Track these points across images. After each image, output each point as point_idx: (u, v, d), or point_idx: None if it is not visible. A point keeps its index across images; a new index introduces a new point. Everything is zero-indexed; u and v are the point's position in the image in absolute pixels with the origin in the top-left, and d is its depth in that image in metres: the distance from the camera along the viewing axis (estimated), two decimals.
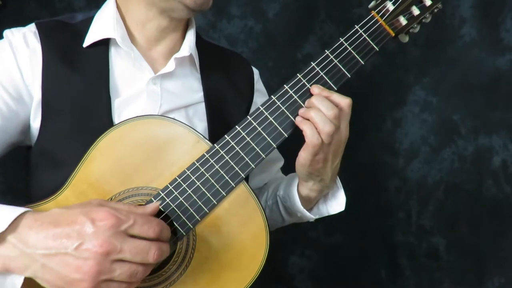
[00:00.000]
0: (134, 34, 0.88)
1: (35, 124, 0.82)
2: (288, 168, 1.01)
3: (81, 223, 0.59)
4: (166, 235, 0.64)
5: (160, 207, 0.73)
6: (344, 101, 0.77)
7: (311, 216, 0.91)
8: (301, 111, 0.77)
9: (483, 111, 1.52)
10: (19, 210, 0.62)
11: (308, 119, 0.76)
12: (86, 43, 0.84)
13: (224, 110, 0.93)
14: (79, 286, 0.58)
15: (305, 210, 0.89)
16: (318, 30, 1.51)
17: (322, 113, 0.75)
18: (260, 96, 1.04)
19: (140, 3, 0.85)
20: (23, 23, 0.88)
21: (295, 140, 0.78)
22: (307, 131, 0.75)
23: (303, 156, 0.78)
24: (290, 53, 1.52)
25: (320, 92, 0.77)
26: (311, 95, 0.78)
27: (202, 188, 0.74)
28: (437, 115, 1.53)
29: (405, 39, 0.85)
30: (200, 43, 0.96)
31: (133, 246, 0.60)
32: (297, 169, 0.82)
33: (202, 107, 0.92)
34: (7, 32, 0.84)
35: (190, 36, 0.91)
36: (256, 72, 1.05)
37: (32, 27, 0.85)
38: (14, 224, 0.60)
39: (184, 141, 0.75)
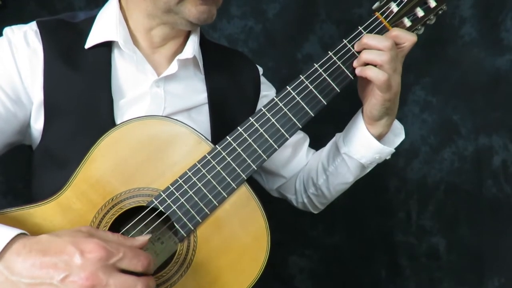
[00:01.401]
0: (137, 37, 0.87)
1: (37, 125, 0.82)
2: None
3: (70, 254, 0.58)
4: (152, 268, 0.63)
5: (161, 208, 0.73)
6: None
7: (391, 149, 0.89)
8: (355, 63, 0.80)
9: (483, 111, 1.52)
10: (9, 235, 0.60)
11: (365, 65, 0.79)
12: (88, 45, 0.84)
13: (227, 111, 0.93)
14: None
15: (385, 147, 0.88)
16: (318, 30, 1.51)
17: (372, 50, 0.77)
18: (267, 89, 1.04)
19: (142, 12, 0.84)
20: (23, 23, 0.87)
21: None
22: (372, 74, 0.77)
23: (381, 95, 0.79)
24: (290, 53, 1.52)
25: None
26: (314, 97, 0.79)
27: (203, 189, 0.74)
28: (437, 115, 1.53)
29: None
30: (204, 43, 0.96)
31: (120, 281, 0.58)
32: (375, 110, 0.82)
33: (205, 109, 0.92)
34: (7, 30, 0.83)
35: (194, 38, 0.90)
36: (260, 69, 1.05)
37: (33, 25, 0.84)
38: (3, 250, 0.59)
39: (185, 142, 0.75)
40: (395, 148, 0.91)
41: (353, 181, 0.96)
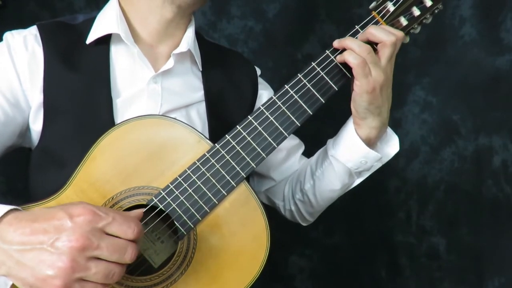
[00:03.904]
0: (137, 31, 0.88)
1: (36, 126, 0.83)
2: None
3: (59, 219, 0.58)
4: (141, 237, 0.63)
5: (161, 206, 0.73)
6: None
7: (376, 154, 0.87)
8: (336, 43, 0.80)
9: (483, 111, 1.52)
10: (2, 209, 0.60)
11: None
12: (89, 40, 0.84)
13: (225, 109, 0.93)
14: (51, 283, 0.56)
15: (371, 150, 0.86)
16: (318, 30, 1.51)
17: (357, 40, 0.78)
18: (264, 88, 1.04)
19: None
20: (23, 23, 0.88)
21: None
22: (348, 56, 0.77)
23: (358, 84, 0.78)
24: (290, 53, 1.52)
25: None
26: (312, 95, 0.79)
27: (203, 187, 0.74)
28: (437, 115, 1.53)
29: (406, 39, 0.85)
30: (201, 42, 0.96)
31: (111, 243, 0.58)
32: (356, 103, 0.81)
33: (202, 107, 0.92)
34: (7, 35, 0.84)
35: (189, 33, 0.91)
36: (258, 70, 1.05)
37: (33, 29, 0.85)
38: None
39: (185, 140, 0.75)
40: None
41: (340, 190, 0.94)
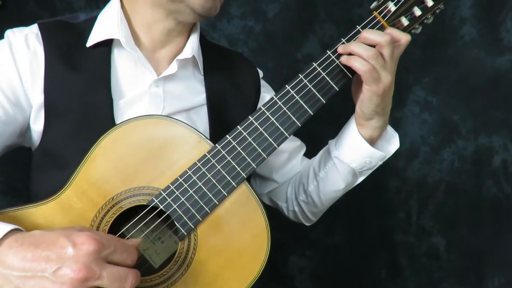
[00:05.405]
0: (139, 35, 0.87)
1: (36, 126, 0.82)
2: None
3: (62, 246, 0.57)
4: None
5: (161, 206, 0.73)
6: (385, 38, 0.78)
7: (381, 153, 0.87)
8: (340, 49, 0.80)
9: (483, 111, 1.52)
10: (3, 229, 0.60)
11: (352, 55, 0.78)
12: (89, 43, 0.84)
13: (226, 112, 0.93)
14: None
15: (376, 150, 0.86)
16: (318, 30, 1.51)
17: (363, 44, 0.77)
18: (266, 91, 1.04)
19: (147, 4, 0.84)
20: (23, 23, 0.87)
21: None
22: (354, 62, 0.77)
23: (368, 88, 0.78)
24: (290, 53, 1.52)
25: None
26: (313, 95, 0.79)
27: (204, 188, 0.74)
28: (437, 115, 1.54)
29: None
30: (204, 44, 0.96)
31: (112, 272, 0.58)
32: (364, 105, 0.81)
33: (204, 110, 0.91)
34: (8, 33, 0.83)
35: (194, 38, 0.90)
36: (260, 72, 1.04)
37: (34, 28, 0.84)
38: None
39: (185, 141, 0.75)
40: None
41: (344, 189, 0.94)
